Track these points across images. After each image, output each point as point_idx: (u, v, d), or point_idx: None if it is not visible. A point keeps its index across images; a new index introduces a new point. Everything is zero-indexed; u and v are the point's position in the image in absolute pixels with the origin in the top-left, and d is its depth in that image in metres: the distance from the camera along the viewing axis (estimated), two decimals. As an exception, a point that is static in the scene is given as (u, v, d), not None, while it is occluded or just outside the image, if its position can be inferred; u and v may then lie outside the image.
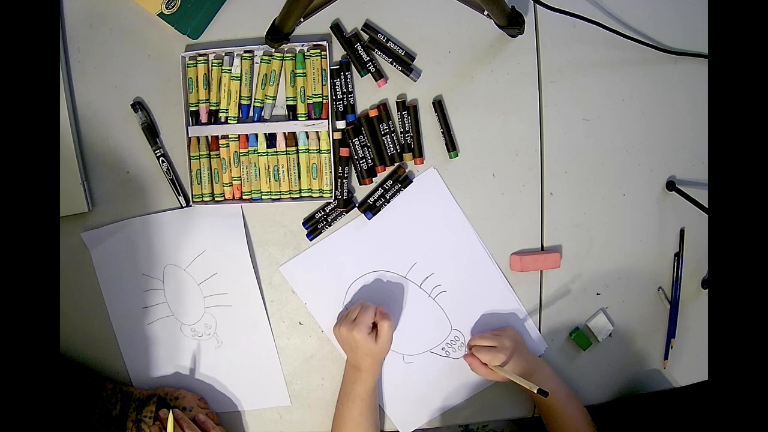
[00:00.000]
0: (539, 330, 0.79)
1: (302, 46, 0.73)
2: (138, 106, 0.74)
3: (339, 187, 0.74)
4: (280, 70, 0.73)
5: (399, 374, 0.78)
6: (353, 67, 0.74)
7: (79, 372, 0.73)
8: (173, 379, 0.77)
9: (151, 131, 0.74)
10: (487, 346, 0.72)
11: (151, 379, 0.77)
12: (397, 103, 0.75)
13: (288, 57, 0.73)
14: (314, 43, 0.72)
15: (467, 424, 0.81)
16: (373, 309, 0.71)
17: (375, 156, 0.75)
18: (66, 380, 0.70)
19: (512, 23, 0.69)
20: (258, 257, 0.76)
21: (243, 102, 0.74)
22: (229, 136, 0.74)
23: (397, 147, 0.75)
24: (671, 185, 0.78)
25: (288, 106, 0.74)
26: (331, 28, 0.74)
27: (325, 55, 0.73)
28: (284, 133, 0.74)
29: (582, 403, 0.74)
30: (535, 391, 0.65)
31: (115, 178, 0.76)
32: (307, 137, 0.74)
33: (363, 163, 0.74)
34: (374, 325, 0.71)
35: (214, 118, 0.74)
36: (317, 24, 0.73)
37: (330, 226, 0.76)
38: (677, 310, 0.80)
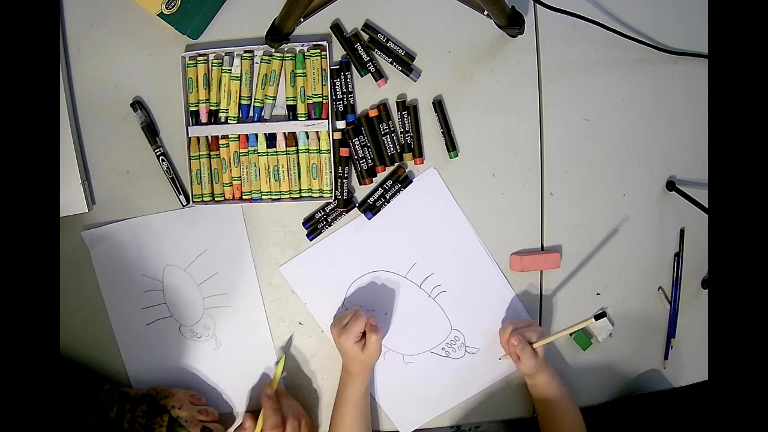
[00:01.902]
0: (539, 330, 0.79)
1: (302, 46, 0.73)
2: (137, 105, 0.74)
3: (339, 187, 0.74)
4: (280, 70, 0.73)
5: (399, 374, 0.78)
6: (353, 67, 0.74)
7: (77, 373, 0.73)
8: (172, 380, 0.77)
9: (150, 130, 0.74)
10: (525, 327, 0.73)
11: (149, 380, 0.77)
12: (397, 103, 0.75)
13: (288, 57, 0.73)
14: (314, 43, 0.72)
15: (462, 424, 0.81)
16: (365, 319, 0.70)
17: (375, 156, 0.75)
18: (65, 381, 0.70)
19: (512, 23, 0.69)
20: (258, 257, 0.76)
21: (243, 102, 0.74)
22: (229, 136, 0.74)
23: (397, 147, 0.75)
24: (671, 185, 0.78)
25: (288, 106, 0.74)
26: (331, 28, 0.74)
27: (325, 55, 0.73)
28: (284, 133, 0.74)
29: (577, 406, 0.74)
30: (594, 318, 0.65)
31: (115, 178, 0.75)
32: (307, 137, 0.74)
33: (363, 163, 0.74)
34: (365, 334, 0.71)
35: (214, 118, 0.74)
36: (317, 24, 0.73)
37: (330, 226, 0.76)
38: (677, 310, 0.80)
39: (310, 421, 0.75)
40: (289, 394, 0.76)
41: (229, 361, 0.77)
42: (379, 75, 0.74)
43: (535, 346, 0.71)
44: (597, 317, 0.64)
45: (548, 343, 0.71)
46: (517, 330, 0.72)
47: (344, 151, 0.74)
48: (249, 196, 0.75)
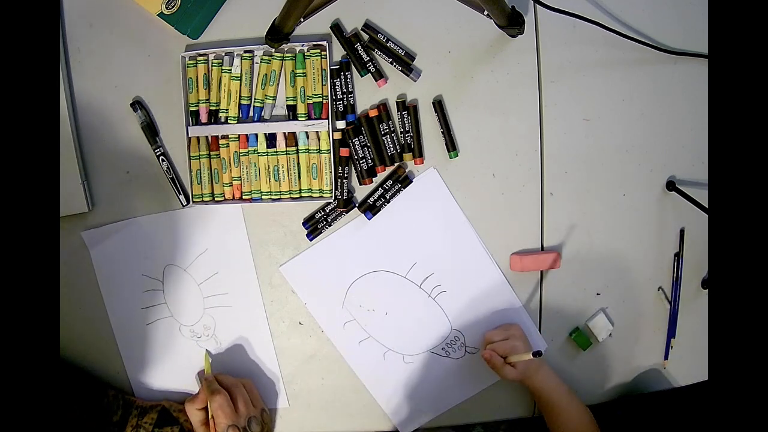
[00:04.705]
0: (539, 330, 0.79)
1: (302, 46, 0.73)
2: (137, 105, 0.74)
3: (339, 187, 0.74)
4: (280, 70, 0.73)
5: (399, 374, 0.78)
6: (353, 67, 0.74)
7: (80, 378, 0.73)
8: (171, 380, 0.77)
9: (150, 130, 0.74)
10: (500, 340, 0.73)
11: (148, 379, 0.77)
12: (397, 103, 0.75)
13: (288, 57, 0.73)
14: (314, 43, 0.72)
15: (466, 424, 0.81)
16: None
17: (375, 156, 0.75)
18: (67, 386, 0.70)
19: (512, 23, 0.69)
20: (258, 257, 0.76)
21: (243, 102, 0.74)
22: (229, 136, 0.74)
23: (397, 147, 0.75)
24: (671, 185, 0.78)
25: (288, 106, 0.74)
26: (331, 28, 0.74)
27: (325, 55, 0.73)
28: (284, 133, 0.74)
29: (583, 403, 0.74)
30: (531, 355, 0.65)
31: (115, 178, 0.76)
32: (307, 137, 0.74)
33: (363, 163, 0.74)
34: None
35: (214, 118, 0.74)
36: (317, 24, 0.73)
37: (330, 226, 0.76)
38: (677, 310, 0.80)
39: (251, 382, 0.75)
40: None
41: (228, 361, 0.77)
42: (379, 75, 0.74)
43: (507, 361, 0.71)
44: (534, 354, 0.65)
45: (517, 360, 0.70)
46: (491, 345, 0.73)
47: (344, 151, 0.74)
48: (249, 196, 0.75)
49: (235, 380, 0.72)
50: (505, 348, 0.71)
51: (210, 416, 0.68)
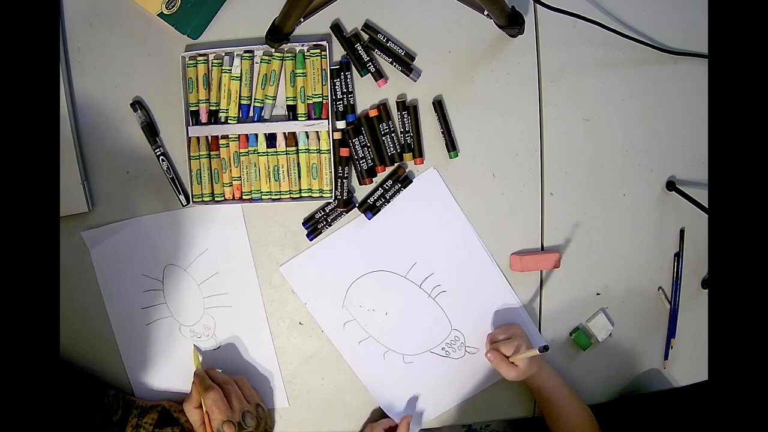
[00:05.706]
0: (539, 330, 0.79)
1: (302, 46, 0.73)
2: (137, 105, 0.74)
3: (339, 187, 0.74)
4: (280, 70, 0.73)
5: (399, 374, 0.78)
6: (353, 67, 0.74)
7: (81, 378, 0.73)
8: (170, 380, 0.77)
9: (150, 130, 0.74)
10: (503, 339, 0.73)
11: (148, 379, 0.77)
12: (397, 103, 0.75)
13: (288, 57, 0.73)
14: (314, 43, 0.72)
15: (470, 424, 0.81)
16: (380, 427, 0.74)
17: (375, 156, 0.75)
18: (67, 385, 0.70)
19: (512, 23, 0.69)
20: (258, 257, 0.76)
21: (243, 102, 0.74)
22: (229, 136, 0.74)
23: (397, 147, 0.75)
24: (671, 185, 0.78)
25: (288, 106, 0.74)
26: (331, 28, 0.74)
27: (325, 55, 0.73)
28: (284, 133, 0.74)
29: (584, 403, 0.74)
30: (538, 351, 0.65)
31: (115, 178, 0.76)
32: (307, 137, 0.74)
33: (363, 163, 0.74)
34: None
35: (214, 118, 0.74)
36: (317, 24, 0.73)
37: (330, 226, 0.76)
38: (677, 310, 0.80)
39: (244, 378, 0.75)
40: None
41: (228, 361, 0.77)
42: (379, 75, 0.74)
43: (511, 360, 0.71)
44: (541, 349, 0.65)
45: (522, 358, 0.70)
46: (494, 344, 0.73)
47: (344, 151, 0.74)
48: (249, 196, 0.75)
49: (227, 377, 0.73)
50: (509, 347, 0.71)
51: (204, 411, 0.68)
